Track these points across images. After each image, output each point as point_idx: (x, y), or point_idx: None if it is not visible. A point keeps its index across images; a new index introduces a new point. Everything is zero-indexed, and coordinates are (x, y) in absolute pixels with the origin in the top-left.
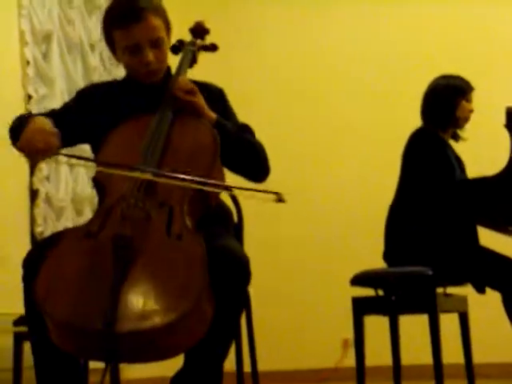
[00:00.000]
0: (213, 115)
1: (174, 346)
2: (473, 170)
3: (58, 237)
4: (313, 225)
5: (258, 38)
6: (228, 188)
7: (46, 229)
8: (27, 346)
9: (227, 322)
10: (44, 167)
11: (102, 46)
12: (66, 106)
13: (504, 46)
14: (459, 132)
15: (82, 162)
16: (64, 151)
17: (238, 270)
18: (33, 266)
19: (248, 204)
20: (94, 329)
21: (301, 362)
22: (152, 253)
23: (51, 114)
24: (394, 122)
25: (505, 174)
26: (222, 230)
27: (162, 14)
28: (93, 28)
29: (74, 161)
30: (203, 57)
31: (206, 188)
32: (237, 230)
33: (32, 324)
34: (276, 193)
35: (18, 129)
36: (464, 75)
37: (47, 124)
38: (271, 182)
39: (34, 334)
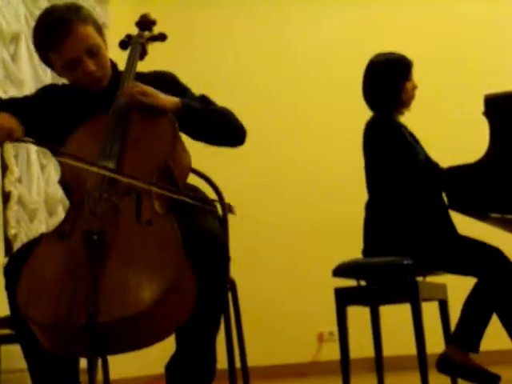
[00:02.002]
0: (175, 100)
1: (161, 329)
2: (452, 159)
3: (35, 243)
4: (292, 219)
5: (223, 35)
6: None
7: (20, 231)
8: (5, 349)
9: (212, 301)
10: (16, 169)
11: None
12: (27, 99)
13: (478, 38)
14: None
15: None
16: None
17: (214, 248)
18: (13, 273)
19: (230, 196)
20: (78, 324)
21: (278, 357)
22: (124, 242)
23: (11, 103)
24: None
25: (485, 160)
26: (198, 212)
27: (89, 19)
28: None
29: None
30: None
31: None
32: (222, 223)
33: (20, 330)
34: (228, 204)
35: None
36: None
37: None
38: (247, 177)
39: (24, 341)
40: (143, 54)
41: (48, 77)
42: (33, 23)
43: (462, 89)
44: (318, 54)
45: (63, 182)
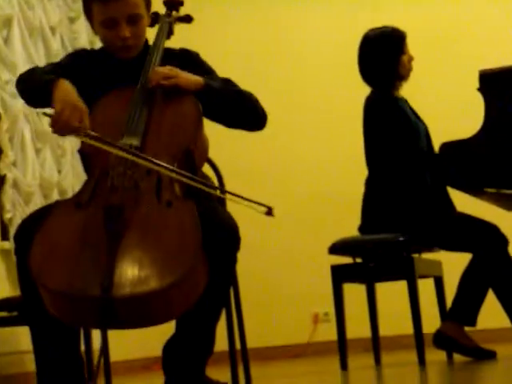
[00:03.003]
0: (199, 80)
1: (171, 310)
2: (448, 134)
3: (48, 209)
4: (287, 198)
5: (227, 27)
6: (222, 192)
7: (15, 214)
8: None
9: (219, 287)
10: (10, 153)
11: (63, 30)
12: (62, 65)
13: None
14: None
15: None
16: None
17: (229, 237)
18: (25, 239)
19: (228, 176)
20: (92, 295)
21: (273, 339)
22: (144, 220)
23: (56, 72)
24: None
25: (481, 135)
26: (209, 200)
27: None
28: (52, 12)
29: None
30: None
31: (194, 183)
32: (220, 204)
33: (28, 297)
34: (268, 207)
35: (40, 89)
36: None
37: (77, 98)
38: (249, 162)
39: (31, 308)
40: (170, 34)
41: (41, 59)
42: (25, 7)
43: (457, 65)
44: (315, 35)
45: (83, 152)
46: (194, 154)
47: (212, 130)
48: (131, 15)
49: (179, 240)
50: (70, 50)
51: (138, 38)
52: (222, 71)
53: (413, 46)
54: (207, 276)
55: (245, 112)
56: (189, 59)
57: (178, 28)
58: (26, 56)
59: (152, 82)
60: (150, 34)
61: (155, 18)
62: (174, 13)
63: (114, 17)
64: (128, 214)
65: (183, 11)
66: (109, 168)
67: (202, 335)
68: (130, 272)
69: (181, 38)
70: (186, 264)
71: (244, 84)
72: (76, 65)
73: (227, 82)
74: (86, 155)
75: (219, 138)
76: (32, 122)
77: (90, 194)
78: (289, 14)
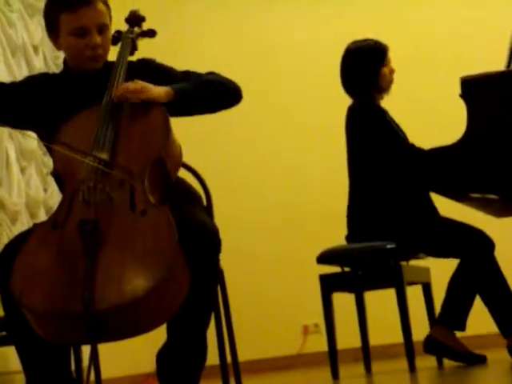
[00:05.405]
0: (167, 90)
1: (157, 316)
2: (430, 141)
3: (27, 234)
4: (274, 209)
5: (203, 33)
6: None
7: (2, 234)
8: None
9: (203, 289)
10: None
11: (46, 48)
12: (15, 84)
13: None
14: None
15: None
16: None
17: (207, 238)
18: (6, 264)
19: (214, 187)
20: (74, 312)
21: (263, 351)
22: (119, 231)
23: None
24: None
25: (464, 141)
26: (189, 204)
27: (106, 1)
28: (35, 30)
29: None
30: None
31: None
32: (206, 212)
33: (13, 320)
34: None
35: None
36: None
37: None
38: (236, 172)
39: (16, 331)
40: (133, 50)
41: (23, 75)
42: (7, 26)
43: (439, 71)
44: (298, 44)
45: (56, 174)
46: (165, 162)
47: (200, 140)
48: (100, 25)
49: (155, 245)
50: (53, 68)
51: (105, 48)
52: None
53: (394, 54)
54: (189, 276)
55: (219, 97)
56: (148, 68)
57: (159, 39)
58: (9, 75)
59: (117, 98)
60: (113, 52)
61: (118, 36)
62: (136, 29)
63: (85, 25)
64: (103, 227)
65: (147, 25)
66: (79, 184)
67: (194, 339)
68: (110, 283)
69: (160, 48)
70: (165, 266)
71: None
72: (34, 87)
73: (190, 76)
74: (59, 176)
75: (206, 148)
76: (16, 140)
77: (65, 213)
78: (271, 17)
